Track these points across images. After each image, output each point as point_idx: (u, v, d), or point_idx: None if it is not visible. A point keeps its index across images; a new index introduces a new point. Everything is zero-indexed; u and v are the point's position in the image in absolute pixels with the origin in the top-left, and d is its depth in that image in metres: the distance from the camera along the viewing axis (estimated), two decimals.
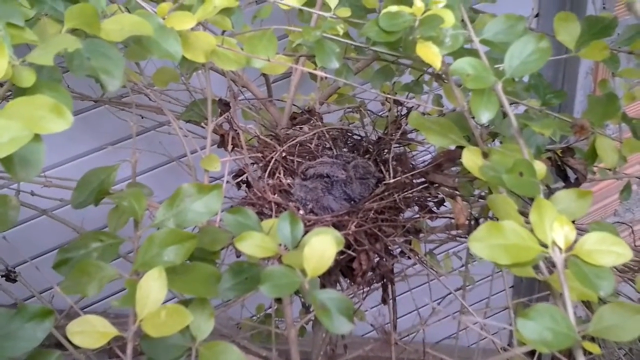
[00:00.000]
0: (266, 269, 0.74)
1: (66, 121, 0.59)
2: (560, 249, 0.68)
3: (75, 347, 0.96)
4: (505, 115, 0.96)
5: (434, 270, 1.30)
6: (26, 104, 0.59)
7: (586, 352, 0.67)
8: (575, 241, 0.69)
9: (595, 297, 0.71)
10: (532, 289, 2.52)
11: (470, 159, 0.84)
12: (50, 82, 0.64)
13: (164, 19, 0.80)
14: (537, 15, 2.11)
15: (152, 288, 0.71)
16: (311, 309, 1.18)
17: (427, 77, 1.42)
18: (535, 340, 0.64)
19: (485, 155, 0.85)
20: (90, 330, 0.72)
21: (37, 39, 0.66)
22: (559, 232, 0.68)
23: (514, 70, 0.81)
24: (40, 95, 0.60)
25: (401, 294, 1.42)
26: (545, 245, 0.68)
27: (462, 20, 0.84)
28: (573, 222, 0.70)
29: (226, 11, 0.91)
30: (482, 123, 1.02)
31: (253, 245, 0.78)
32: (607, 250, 0.67)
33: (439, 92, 1.51)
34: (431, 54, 0.77)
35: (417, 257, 1.22)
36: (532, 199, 0.71)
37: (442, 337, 2.39)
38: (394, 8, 0.82)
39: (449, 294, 1.35)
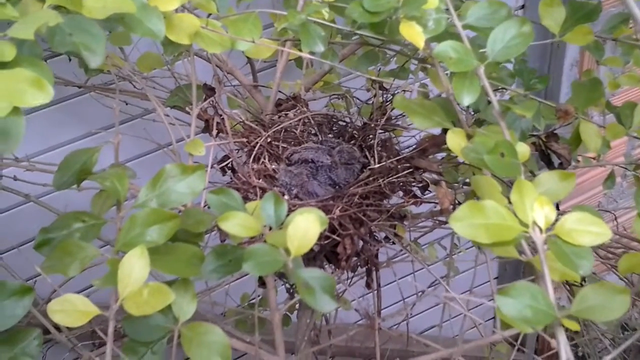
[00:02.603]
0: (249, 247, 0.74)
1: (46, 95, 0.59)
2: (540, 228, 0.69)
3: (59, 330, 0.96)
4: (490, 101, 0.97)
5: (418, 257, 1.31)
6: (6, 77, 0.59)
7: (569, 337, 0.67)
8: (556, 222, 0.69)
9: (575, 277, 0.72)
10: (516, 279, 2.53)
11: (455, 140, 0.84)
12: (31, 57, 0.63)
13: None
14: (522, 7, 2.11)
15: (135, 266, 0.71)
16: (295, 295, 1.18)
17: (413, 67, 1.42)
18: (515, 317, 0.64)
19: (469, 137, 0.85)
20: (70, 309, 0.72)
21: (17, 15, 0.66)
22: (539, 212, 0.69)
23: (496, 54, 0.81)
24: (20, 69, 0.60)
25: (387, 284, 1.42)
26: (526, 225, 0.69)
27: (447, 9, 0.84)
28: (557, 207, 0.71)
29: None
30: (466, 107, 1.03)
31: (237, 224, 0.78)
32: (586, 230, 0.68)
33: (425, 82, 1.51)
34: (414, 33, 0.77)
35: (401, 243, 1.22)
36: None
37: (426, 327, 2.41)
38: None
39: (434, 281, 1.35)
